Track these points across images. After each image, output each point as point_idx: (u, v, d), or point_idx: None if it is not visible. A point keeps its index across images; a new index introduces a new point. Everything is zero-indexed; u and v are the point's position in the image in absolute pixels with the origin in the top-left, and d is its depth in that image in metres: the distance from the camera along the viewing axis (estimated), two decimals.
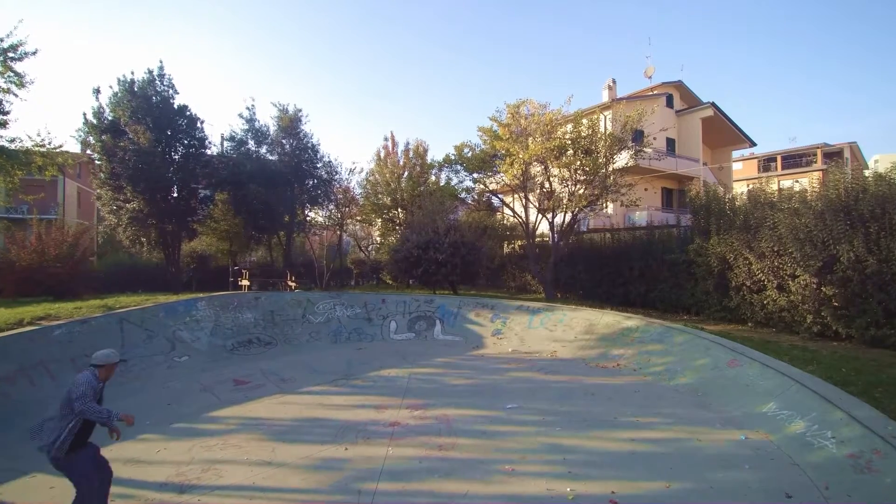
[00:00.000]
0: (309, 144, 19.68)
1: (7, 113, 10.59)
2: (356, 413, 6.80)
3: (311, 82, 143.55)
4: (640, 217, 21.06)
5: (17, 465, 5.15)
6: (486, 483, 4.57)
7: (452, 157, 17.65)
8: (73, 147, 16.76)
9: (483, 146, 16.57)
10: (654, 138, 16.16)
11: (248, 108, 19.21)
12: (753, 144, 28.43)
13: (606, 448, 5.39)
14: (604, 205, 17.75)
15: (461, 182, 19.14)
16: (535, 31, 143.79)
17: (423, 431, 5.98)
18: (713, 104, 24.89)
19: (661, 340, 9.54)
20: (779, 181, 23.68)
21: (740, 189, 28.41)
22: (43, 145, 11.98)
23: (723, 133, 26.73)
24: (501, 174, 16.39)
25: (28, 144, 11.70)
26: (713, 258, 11.66)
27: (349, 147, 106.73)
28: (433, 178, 21.33)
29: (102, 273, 19.80)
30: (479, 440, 5.66)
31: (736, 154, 33.45)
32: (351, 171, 23.25)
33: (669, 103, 25.70)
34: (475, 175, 17.61)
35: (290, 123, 19.20)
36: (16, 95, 10.85)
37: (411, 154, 25.34)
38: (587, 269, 16.04)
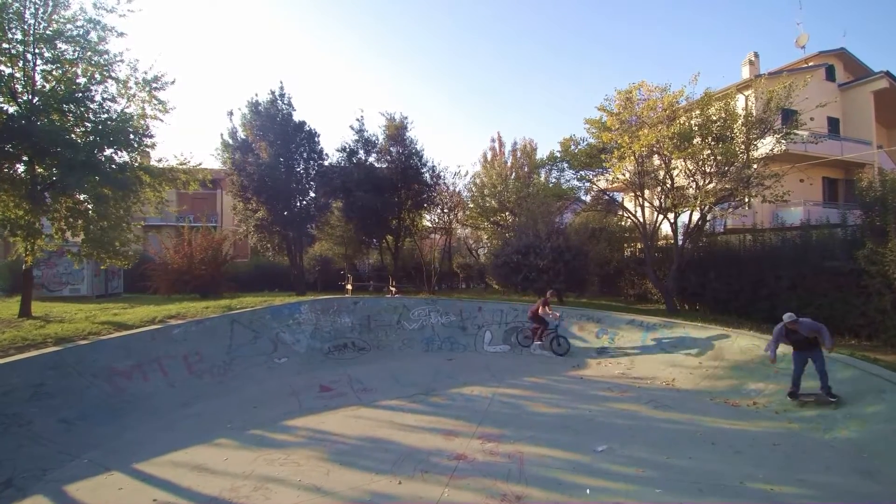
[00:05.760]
0: (414, 150, 19.93)
1: (153, 136, 12.12)
2: (423, 438, 6.25)
3: (416, 84, 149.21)
4: (793, 214, 17.49)
5: (106, 461, 5.54)
6: None
7: (557, 155, 16.31)
8: (214, 164, 19.06)
9: (591, 140, 14.98)
10: (812, 118, 13.11)
11: (357, 120, 20.18)
12: None
13: None
14: (743, 200, 14.95)
15: (568, 182, 17.66)
16: (655, 10, 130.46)
17: (489, 472, 5.20)
18: (887, 74, 20.03)
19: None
20: None
21: None
22: (185, 163, 13.60)
23: None
24: (610, 170, 14.68)
25: (173, 163, 13.36)
26: (892, 267, 8.97)
27: (453, 147, 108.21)
28: (541, 177, 20.12)
29: (245, 273, 22.37)
30: (552, 493, 4.70)
31: None
32: (456, 174, 23.10)
33: (830, 76, 21.16)
34: (581, 172, 16.01)
35: (397, 131, 19.63)
36: (161, 121, 12.43)
37: (518, 154, 24.38)
38: (720, 278, 13.59)
